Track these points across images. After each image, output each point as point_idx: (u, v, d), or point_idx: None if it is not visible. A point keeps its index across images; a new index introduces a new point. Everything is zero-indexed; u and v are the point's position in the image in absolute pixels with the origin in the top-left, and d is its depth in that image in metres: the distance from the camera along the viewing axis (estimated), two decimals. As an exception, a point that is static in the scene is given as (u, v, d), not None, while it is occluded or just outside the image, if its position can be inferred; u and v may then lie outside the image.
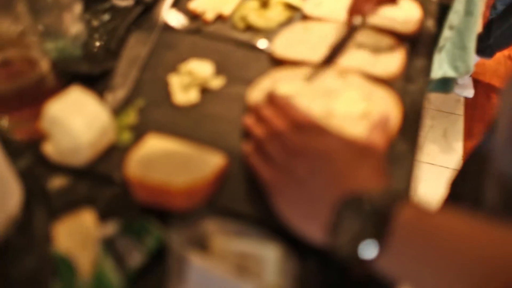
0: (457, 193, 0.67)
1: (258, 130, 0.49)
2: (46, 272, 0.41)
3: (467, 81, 2.11)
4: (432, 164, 1.85)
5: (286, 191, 0.42)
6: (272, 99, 0.51)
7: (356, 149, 0.43)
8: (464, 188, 0.65)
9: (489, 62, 2.29)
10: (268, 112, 0.50)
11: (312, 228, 0.39)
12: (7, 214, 0.43)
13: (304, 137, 0.44)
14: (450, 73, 1.31)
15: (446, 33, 1.21)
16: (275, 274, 0.38)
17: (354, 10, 0.66)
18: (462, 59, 1.30)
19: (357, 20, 0.65)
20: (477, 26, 1.27)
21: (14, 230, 0.45)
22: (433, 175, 1.80)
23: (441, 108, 2.14)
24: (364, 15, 0.65)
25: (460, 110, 2.15)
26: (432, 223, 0.36)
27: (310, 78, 0.59)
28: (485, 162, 0.54)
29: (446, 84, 1.43)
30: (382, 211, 0.36)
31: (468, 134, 2.02)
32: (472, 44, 1.28)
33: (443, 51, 1.26)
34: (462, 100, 2.18)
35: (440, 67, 1.29)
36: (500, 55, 2.24)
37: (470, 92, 2.12)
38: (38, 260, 0.43)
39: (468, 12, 1.21)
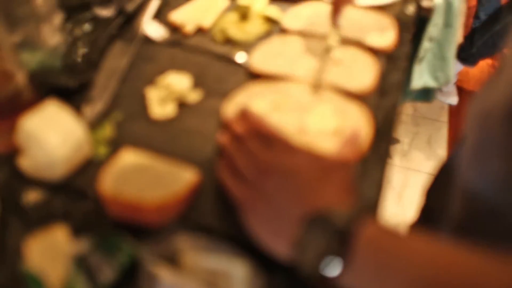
0: (429, 203, 0.69)
1: (229, 147, 0.50)
2: (18, 288, 0.42)
3: (451, 88, 2.15)
4: (417, 170, 1.89)
5: (255, 207, 0.43)
6: (244, 116, 0.52)
7: (323, 166, 0.45)
8: (434, 199, 0.67)
9: (473, 70, 2.34)
10: (239, 129, 0.51)
11: (279, 244, 0.40)
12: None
13: (273, 154, 0.45)
14: (430, 83, 1.34)
15: (426, 44, 1.23)
16: (243, 290, 0.39)
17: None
18: (442, 70, 1.32)
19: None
20: (457, 37, 1.30)
21: (-13, 245, 0.45)
22: (418, 181, 1.83)
23: (426, 115, 2.18)
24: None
25: (445, 117, 2.19)
26: (392, 243, 0.37)
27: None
28: (453, 175, 0.56)
29: (427, 94, 1.46)
30: (346, 229, 0.37)
31: (452, 141, 2.06)
32: (451, 54, 1.31)
33: (423, 61, 1.29)
34: (447, 107, 2.22)
35: (421, 77, 1.31)
36: (483, 63, 2.28)
37: (454, 100, 2.16)
38: (8, 276, 0.43)
39: (448, 24, 1.23)
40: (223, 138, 0.52)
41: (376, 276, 0.36)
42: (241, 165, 0.46)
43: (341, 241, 0.36)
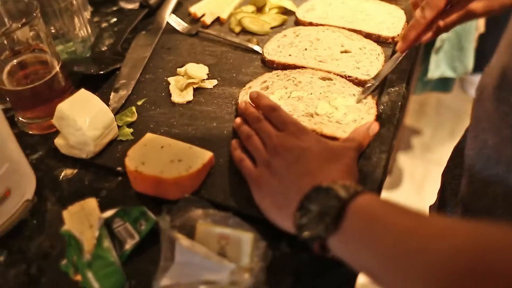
0: (444, 185, 0.70)
1: (243, 128, 0.55)
2: (57, 249, 0.48)
3: (475, 79, 2.13)
4: (439, 163, 1.87)
5: (265, 184, 0.48)
6: (258, 99, 0.57)
7: (329, 150, 0.49)
8: (448, 181, 0.69)
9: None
10: (253, 113, 0.55)
11: (284, 216, 0.44)
12: (23, 199, 0.50)
13: (285, 135, 0.50)
14: (448, 73, 1.35)
15: (443, 34, 1.24)
16: (250, 257, 0.44)
17: (412, 36, 0.62)
18: (460, 60, 1.33)
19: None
20: (475, 27, 1.30)
21: (29, 213, 0.51)
22: (439, 173, 1.80)
23: (450, 106, 2.13)
24: (424, 42, 0.64)
25: (468, 109, 2.12)
26: (382, 213, 0.38)
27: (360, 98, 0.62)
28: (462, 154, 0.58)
29: (445, 84, 1.46)
30: (342, 197, 0.40)
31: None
32: (470, 45, 1.31)
33: (440, 51, 1.30)
34: (470, 99, 2.19)
35: (438, 68, 1.32)
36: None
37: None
38: (49, 239, 0.49)
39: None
40: (238, 120, 0.57)
41: (363, 244, 0.38)
42: (255, 145, 0.51)
43: (335, 207, 0.39)
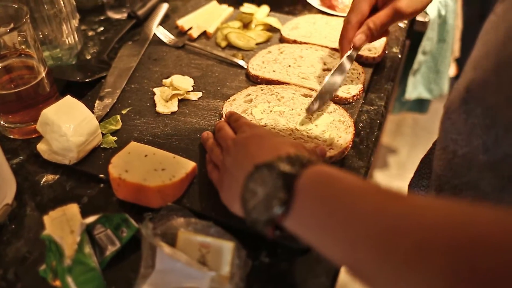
0: (420, 168, 0.71)
1: (208, 143, 0.57)
2: (35, 255, 0.48)
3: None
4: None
5: (223, 183, 0.49)
6: (229, 115, 0.59)
7: (274, 133, 0.51)
8: (413, 190, 0.71)
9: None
10: (218, 124, 0.57)
11: (237, 206, 0.44)
12: (2, 203, 0.50)
13: (236, 137, 0.51)
14: (425, 94, 1.40)
15: (420, 57, 1.29)
16: (230, 266, 0.45)
17: (344, 43, 0.66)
18: (436, 82, 1.38)
19: (349, 52, 0.66)
20: (450, 52, 1.35)
21: (7, 217, 0.51)
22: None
23: (425, 127, 2.19)
24: (355, 48, 0.66)
25: None
26: (335, 184, 0.36)
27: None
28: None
29: (421, 105, 1.52)
30: (287, 174, 0.37)
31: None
32: (445, 68, 1.37)
33: (418, 74, 1.34)
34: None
35: (415, 89, 1.37)
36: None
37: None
38: (27, 244, 0.49)
39: (441, 39, 1.29)
40: (204, 135, 0.59)
41: (318, 218, 0.35)
42: (216, 154, 0.53)
43: (283, 185, 0.37)
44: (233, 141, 0.50)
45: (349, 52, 0.67)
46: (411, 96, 1.38)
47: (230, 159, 0.48)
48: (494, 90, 0.42)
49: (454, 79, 2.12)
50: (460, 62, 2.07)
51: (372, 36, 0.66)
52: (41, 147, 0.57)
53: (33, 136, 0.61)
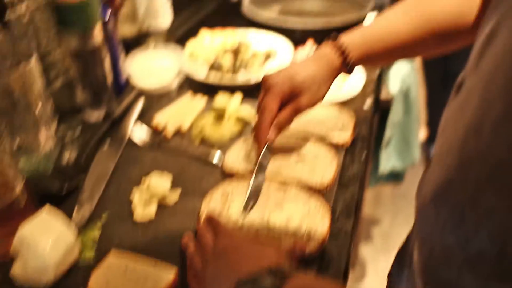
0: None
1: (187, 254, 0.56)
2: None
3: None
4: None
5: None
6: (207, 221, 0.59)
7: (256, 241, 0.51)
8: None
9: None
10: (198, 230, 0.58)
11: None
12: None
13: (215, 246, 0.51)
14: (398, 166, 1.44)
15: (389, 131, 1.35)
16: None
17: (260, 142, 0.70)
18: (407, 152, 1.44)
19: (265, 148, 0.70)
20: (418, 120, 1.43)
21: None
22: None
23: (405, 194, 2.21)
24: (270, 142, 0.70)
25: None
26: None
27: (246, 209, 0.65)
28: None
29: (396, 176, 1.56)
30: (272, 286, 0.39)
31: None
32: (414, 138, 1.43)
33: (389, 146, 1.40)
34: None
35: (388, 161, 1.42)
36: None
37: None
38: None
39: (407, 111, 1.37)
40: (184, 240, 0.58)
41: None
42: (195, 267, 0.53)
43: None
44: (213, 251, 0.50)
45: (263, 151, 0.70)
46: (386, 169, 1.42)
47: (210, 270, 0.48)
48: (459, 189, 0.43)
49: (426, 144, 2.20)
50: (431, 125, 2.15)
51: (281, 130, 0.71)
52: (15, 270, 0.56)
53: (10, 257, 0.59)
